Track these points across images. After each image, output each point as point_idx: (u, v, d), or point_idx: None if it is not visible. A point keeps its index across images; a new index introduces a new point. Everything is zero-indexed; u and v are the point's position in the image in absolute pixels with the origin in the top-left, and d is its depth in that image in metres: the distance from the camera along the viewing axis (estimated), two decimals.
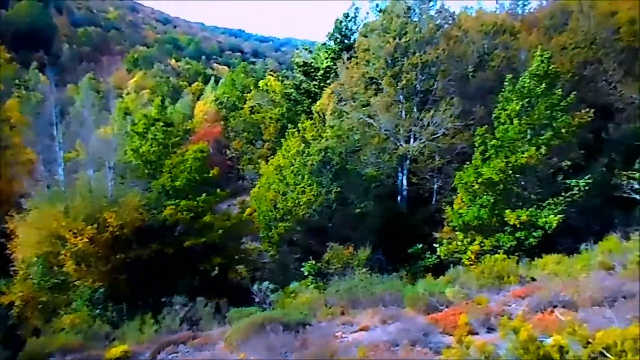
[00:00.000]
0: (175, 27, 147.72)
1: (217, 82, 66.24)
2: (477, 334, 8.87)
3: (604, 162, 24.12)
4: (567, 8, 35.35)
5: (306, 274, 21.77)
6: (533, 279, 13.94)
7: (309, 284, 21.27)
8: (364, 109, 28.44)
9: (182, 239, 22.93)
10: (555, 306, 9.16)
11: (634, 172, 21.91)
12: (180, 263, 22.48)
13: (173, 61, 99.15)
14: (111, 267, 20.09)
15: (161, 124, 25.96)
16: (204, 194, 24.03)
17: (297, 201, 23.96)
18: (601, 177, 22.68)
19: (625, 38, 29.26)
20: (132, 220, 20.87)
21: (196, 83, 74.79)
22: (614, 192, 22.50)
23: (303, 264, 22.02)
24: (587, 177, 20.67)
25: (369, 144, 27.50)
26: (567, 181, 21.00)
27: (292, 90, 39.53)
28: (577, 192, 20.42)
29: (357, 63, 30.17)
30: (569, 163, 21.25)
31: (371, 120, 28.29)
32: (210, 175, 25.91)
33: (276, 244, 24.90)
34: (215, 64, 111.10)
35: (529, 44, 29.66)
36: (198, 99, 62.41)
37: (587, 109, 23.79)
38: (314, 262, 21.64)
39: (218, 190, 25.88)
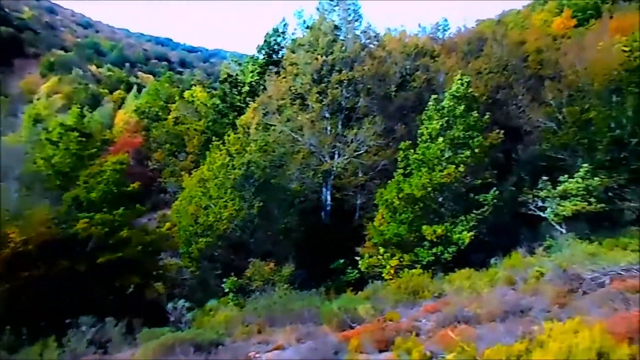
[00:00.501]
0: (97, 31, 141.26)
1: (140, 90, 64.01)
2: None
3: (513, 181, 25.71)
4: (483, 35, 37.70)
5: (227, 290, 21.34)
6: (439, 296, 14.41)
7: (230, 301, 20.83)
8: (289, 123, 28.51)
9: (96, 254, 21.71)
10: (459, 321, 9.54)
11: (539, 191, 23.43)
12: (93, 280, 21.21)
13: (94, 67, 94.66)
14: (11, 287, 18.56)
15: (76, 134, 24.63)
16: (121, 208, 22.95)
17: (219, 215, 23.47)
18: (510, 195, 24.11)
19: (533, 66, 31.57)
20: (38, 235, 19.48)
21: (118, 91, 71.79)
22: (521, 209, 23.93)
23: (224, 280, 21.57)
24: (494, 191, 21.85)
25: (293, 159, 27.55)
26: (478, 197, 22.12)
27: (218, 102, 38.96)
28: (487, 208, 21.54)
29: (284, 77, 30.32)
30: (481, 181, 22.40)
31: (296, 135, 28.42)
32: (130, 188, 24.83)
33: (196, 260, 24.16)
34: (139, 72, 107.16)
35: (448, 67, 31.15)
36: (119, 108, 59.91)
37: (499, 131, 25.39)
38: (235, 278, 21.25)
39: (137, 204, 24.83)
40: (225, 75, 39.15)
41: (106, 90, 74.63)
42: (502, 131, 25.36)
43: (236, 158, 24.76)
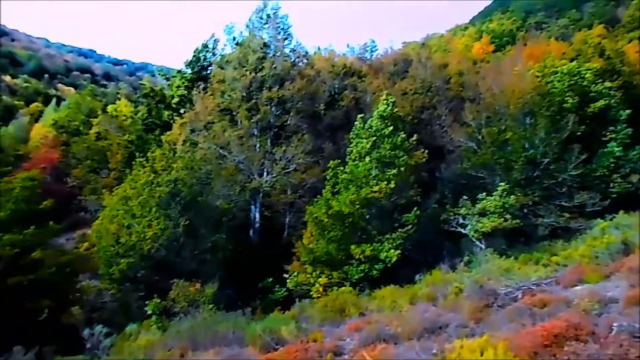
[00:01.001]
0: (13, 40, 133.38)
1: (59, 103, 60.88)
2: None
3: (437, 199, 26.64)
4: (408, 57, 39.18)
5: (150, 313, 20.41)
6: (364, 314, 14.53)
7: (152, 324, 19.94)
8: (216, 139, 28.06)
9: (5, 276, 20.12)
10: (381, 340, 9.64)
11: (460, 208, 24.42)
12: (1, 304, 19.62)
13: (8, 78, 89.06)
14: None
15: None
16: (33, 227, 21.48)
17: (142, 235, 22.54)
18: (434, 213, 24.94)
19: (455, 88, 33.13)
20: None
21: (35, 103, 67.94)
22: (444, 226, 24.80)
23: (147, 302, 20.64)
24: (416, 210, 22.52)
25: (221, 176, 27.08)
26: (403, 216, 22.71)
27: (144, 117, 37.73)
28: (411, 226, 22.15)
29: (212, 94, 29.90)
30: (406, 200, 23.02)
31: (224, 152, 28.00)
32: (42, 206, 23.33)
33: (117, 282, 23.01)
34: (60, 84, 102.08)
35: (375, 87, 32.02)
36: (36, 121, 56.59)
37: (424, 150, 26.30)
38: (158, 300, 20.38)
39: (51, 223, 23.35)
40: (148, 90, 38.03)
41: (22, 102, 70.42)
42: (427, 150, 26.31)
43: (162, 175, 24.00)
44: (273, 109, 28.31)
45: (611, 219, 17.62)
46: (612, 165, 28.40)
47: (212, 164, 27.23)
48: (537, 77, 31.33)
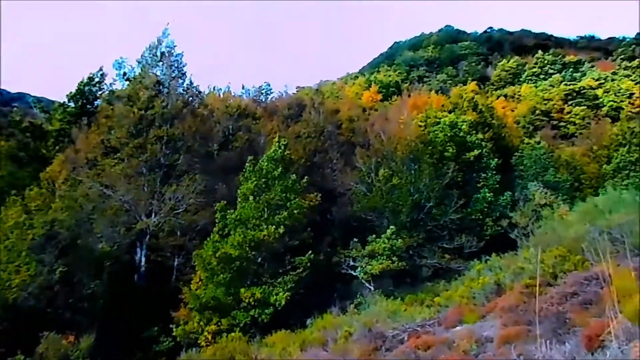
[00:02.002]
0: None
1: None
2: None
3: (329, 241, 27.08)
4: (302, 101, 40.33)
5: None
6: None
7: None
8: (100, 177, 26.41)
9: None
10: None
11: (350, 250, 25.03)
12: None
13: None
14: None
15: None
16: None
17: (7, 283, 20.23)
18: (326, 255, 25.28)
19: (346, 133, 34.58)
20: None
21: None
22: (336, 268, 25.20)
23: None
24: (309, 254, 22.70)
25: (104, 217, 25.37)
26: (295, 259, 22.74)
27: (17, 151, 34.51)
28: (303, 269, 22.21)
29: (98, 129, 28.30)
30: (298, 242, 23.12)
31: (109, 192, 26.37)
32: None
33: None
34: None
35: (269, 129, 32.39)
36: None
37: (316, 193, 26.80)
38: (22, 356, 18.22)
39: None
40: (18, 122, 35.10)
41: None
42: (319, 193, 26.84)
43: (37, 215, 21.95)
44: (163, 147, 27.36)
45: (486, 261, 19.07)
46: (485, 209, 31.01)
47: (94, 204, 25.49)
48: (421, 126, 33.76)
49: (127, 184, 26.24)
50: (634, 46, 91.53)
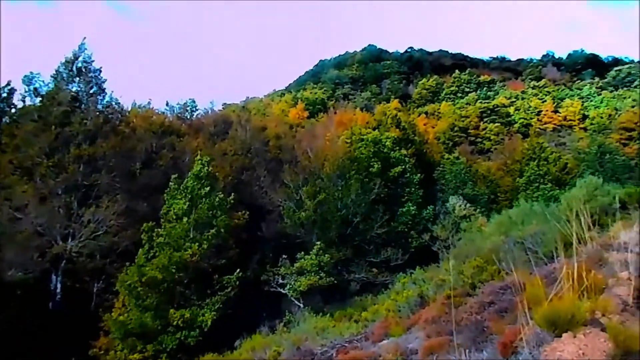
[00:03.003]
0: None
1: None
2: None
3: (258, 259, 26.80)
4: (229, 118, 39.96)
5: None
6: None
7: None
8: (9, 200, 24.61)
9: None
10: None
11: (279, 268, 24.90)
12: None
13: None
14: None
15: None
16: None
17: None
18: (254, 274, 24.97)
19: (273, 150, 34.58)
20: None
21: None
22: (265, 286, 24.93)
23: None
24: (238, 272, 22.35)
25: (15, 242, 23.60)
26: (223, 278, 22.30)
27: None
28: (231, 288, 21.81)
29: (5, 149, 26.44)
30: (226, 261, 22.69)
31: (20, 215, 24.61)
32: None
33: None
34: None
35: (194, 147, 31.73)
36: None
37: (244, 211, 26.49)
38: None
39: None
40: None
41: None
42: (247, 211, 26.54)
43: None
44: (82, 166, 25.99)
45: (410, 274, 19.62)
46: (410, 223, 32.05)
47: (4, 228, 23.69)
48: (347, 143, 34.44)
49: (40, 206, 24.64)
50: (540, 67, 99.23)
